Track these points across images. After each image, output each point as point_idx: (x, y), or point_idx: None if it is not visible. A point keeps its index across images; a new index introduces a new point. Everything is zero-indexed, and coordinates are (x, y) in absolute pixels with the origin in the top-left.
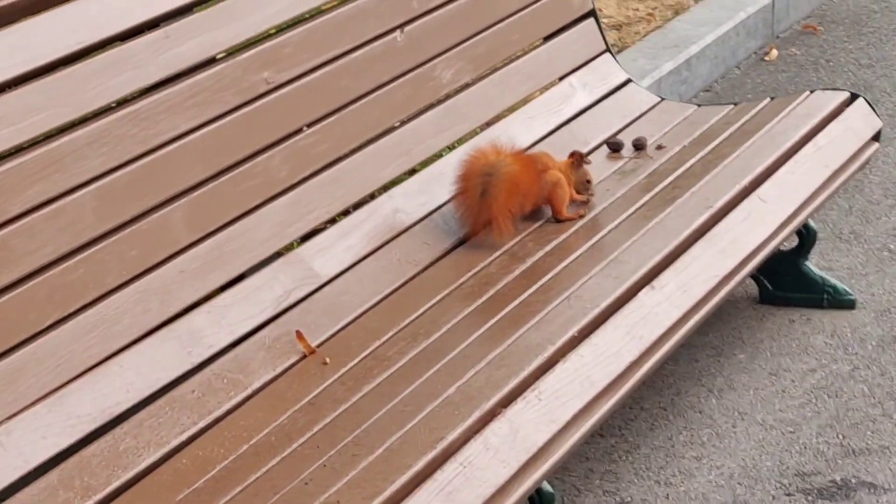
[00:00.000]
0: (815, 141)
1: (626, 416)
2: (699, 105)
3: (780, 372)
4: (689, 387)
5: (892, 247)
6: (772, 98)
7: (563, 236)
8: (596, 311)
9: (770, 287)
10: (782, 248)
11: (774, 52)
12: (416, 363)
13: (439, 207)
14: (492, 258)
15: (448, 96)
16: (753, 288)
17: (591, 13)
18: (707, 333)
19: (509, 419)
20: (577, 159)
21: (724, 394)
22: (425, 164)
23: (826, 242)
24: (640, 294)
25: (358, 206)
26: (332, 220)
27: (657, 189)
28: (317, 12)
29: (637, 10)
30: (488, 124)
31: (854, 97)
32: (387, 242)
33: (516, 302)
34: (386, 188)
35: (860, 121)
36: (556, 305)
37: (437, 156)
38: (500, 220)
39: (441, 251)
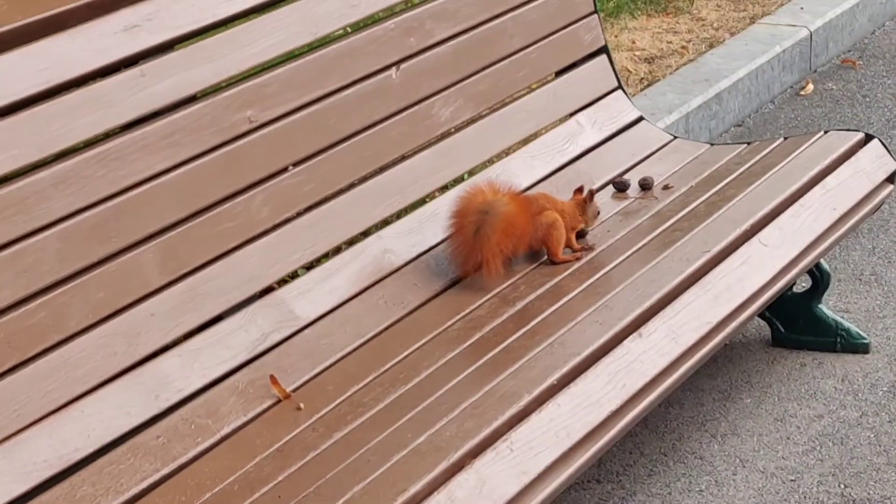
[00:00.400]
0: (824, 183)
1: (625, 462)
2: (712, 144)
3: (786, 417)
4: (691, 431)
5: None
6: (785, 137)
7: (557, 279)
8: (578, 359)
9: (783, 329)
10: (795, 290)
11: (810, 87)
12: (391, 410)
13: (431, 248)
14: (481, 301)
15: (445, 135)
16: (766, 330)
17: (603, 49)
18: (716, 377)
19: (477, 471)
20: (590, 196)
21: (727, 439)
22: (418, 204)
23: (845, 283)
24: (626, 341)
25: (344, 247)
26: (317, 262)
27: (657, 231)
28: (306, 50)
29: (671, 42)
30: (488, 163)
31: (869, 138)
32: (373, 284)
33: (500, 347)
34: (376, 228)
35: (873, 162)
36: (537, 352)
37: (432, 196)
38: (491, 262)
39: (430, 293)
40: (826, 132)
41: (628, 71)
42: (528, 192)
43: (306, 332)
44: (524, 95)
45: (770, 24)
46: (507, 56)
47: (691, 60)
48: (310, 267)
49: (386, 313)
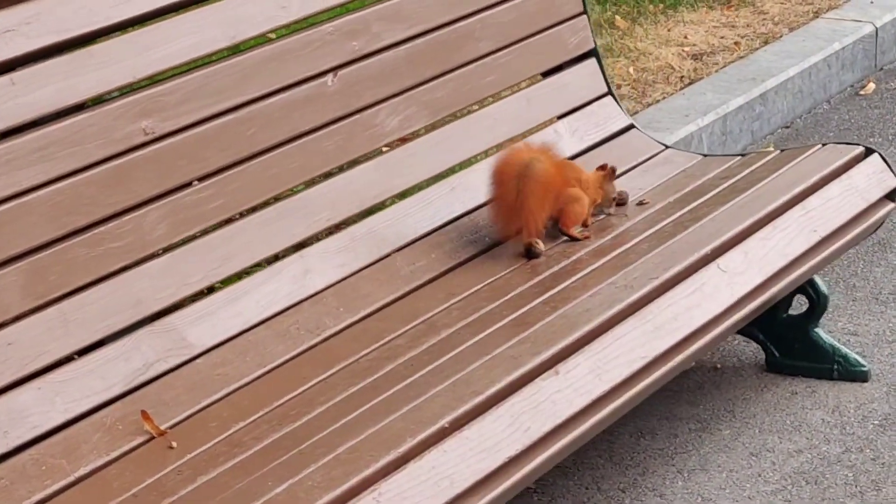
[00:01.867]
0: (805, 203)
1: (580, 497)
2: (705, 155)
3: (762, 452)
4: (658, 465)
5: None
6: (782, 150)
7: (493, 305)
8: (478, 399)
9: (777, 354)
10: (792, 312)
11: (871, 86)
12: (266, 452)
13: (363, 269)
14: (405, 329)
15: (392, 146)
16: (762, 354)
17: (593, 53)
18: (697, 404)
19: None
20: (611, 173)
21: (694, 475)
22: (353, 220)
23: (860, 303)
24: (539, 379)
25: (260, 267)
26: (223, 284)
27: (613, 254)
28: (225, 56)
29: (724, 38)
30: (444, 175)
31: (869, 152)
32: (287, 309)
33: (405, 382)
34: (298, 248)
35: (869, 179)
36: (439, 390)
37: (371, 211)
38: (531, 224)
39: (352, 319)
40: (824, 144)
41: (671, 68)
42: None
43: (198, 361)
44: (492, 103)
45: (834, 18)
46: (474, 60)
47: (742, 57)
48: (211, 290)
49: (296, 341)
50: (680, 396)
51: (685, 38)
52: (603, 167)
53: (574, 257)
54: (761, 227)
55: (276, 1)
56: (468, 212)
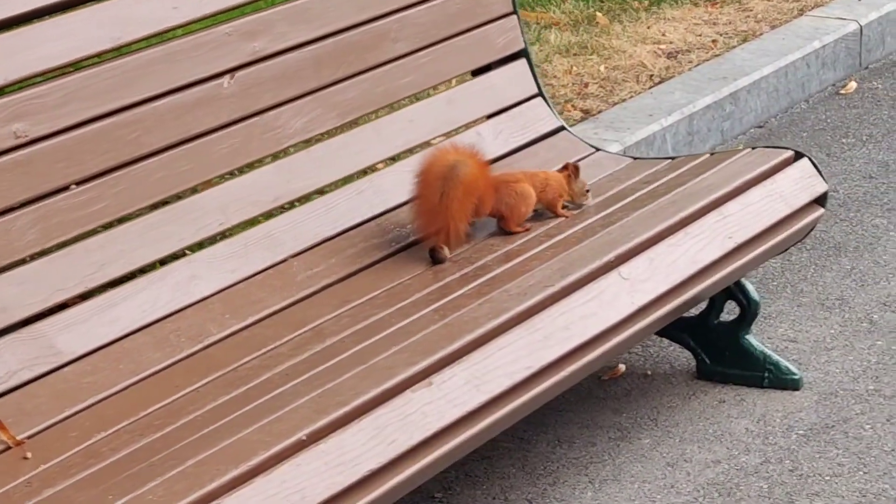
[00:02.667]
0: (723, 209)
1: None
2: (635, 158)
3: (679, 462)
4: (570, 475)
5: (875, 317)
6: (712, 153)
7: (381, 314)
8: (343, 410)
9: (708, 361)
10: (722, 318)
11: (853, 85)
12: (120, 464)
13: (256, 274)
14: (292, 336)
15: (296, 148)
16: (694, 361)
17: (522, 53)
18: (621, 412)
19: None
20: (574, 170)
21: (606, 486)
22: (248, 224)
23: (805, 308)
24: (410, 391)
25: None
26: (101, 290)
27: (517, 260)
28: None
29: (702, 35)
30: (354, 178)
31: (798, 156)
32: (169, 315)
33: (275, 392)
34: (187, 252)
35: (796, 184)
36: (305, 400)
37: (269, 215)
38: (453, 227)
39: (238, 326)
40: (753, 148)
41: (643, 66)
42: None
43: (67, 369)
44: (409, 105)
45: (819, 16)
46: (389, 61)
47: (717, 55)
48: (88, 296)
49: (175, 348)
50: (604, 404)
51: (663, 35)
52: (565, 166)
53: (479, 263)
54: (672, 233)
55: (166, 1)
56: (376, 216)
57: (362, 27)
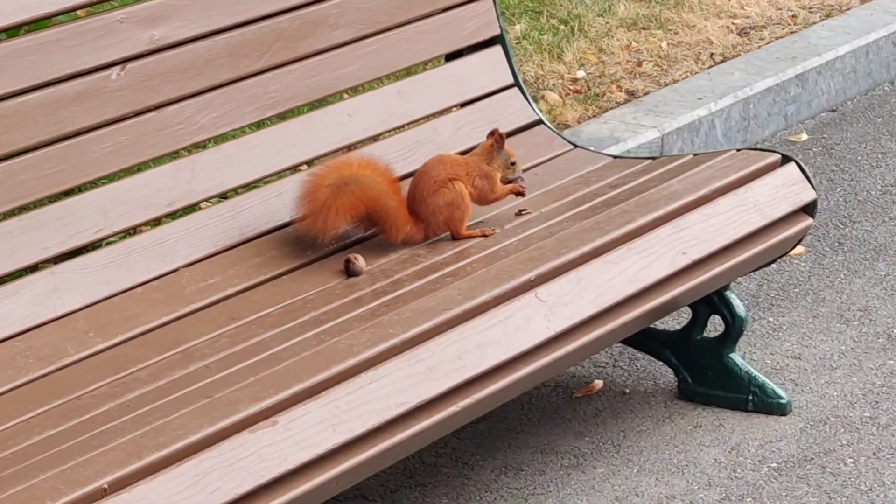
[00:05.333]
0: (680, 221)
1: None
2: (615, 157)
3: (629, 497)
4: None
5: (895, 332)
6: (695, 154)
7: (264, 335)
8: (158, 454)
9: (690, 380)
10: (706, 335)
11: None
12: None
13: (135, 287)
14: (157, 358)
15: (198, 148)
16: (674, 379)
17: (498, 39)
18: (584, 435)
19: None
20: (499, 139)
21: None
22: (132, 232)
23: (822, 320)
24: (247, 431)
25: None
26: None
27: (432, 276)
28: None
29: (783, 9)
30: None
31: (785, 160)
32: (22, 333)
33: (100, 429)
34: (54, 262)
35: (775, 192)
36: (122, 441)
37: (159, 221)
38: (330, 219)
39: (101, 346)
40: (738, 150)
41: (708, 43)
42: (425, 164)
43: None
44: (350, 97)
45: None
46: (326, 50)
47: (793, 32)
48: None
49: (20, 371)
50: (568, 426)
51: (741, 7)
52: (491, 133)
53: (395, 277)
54: (611, 248)
55: None
56: (294, 221)
57: (292, 13)
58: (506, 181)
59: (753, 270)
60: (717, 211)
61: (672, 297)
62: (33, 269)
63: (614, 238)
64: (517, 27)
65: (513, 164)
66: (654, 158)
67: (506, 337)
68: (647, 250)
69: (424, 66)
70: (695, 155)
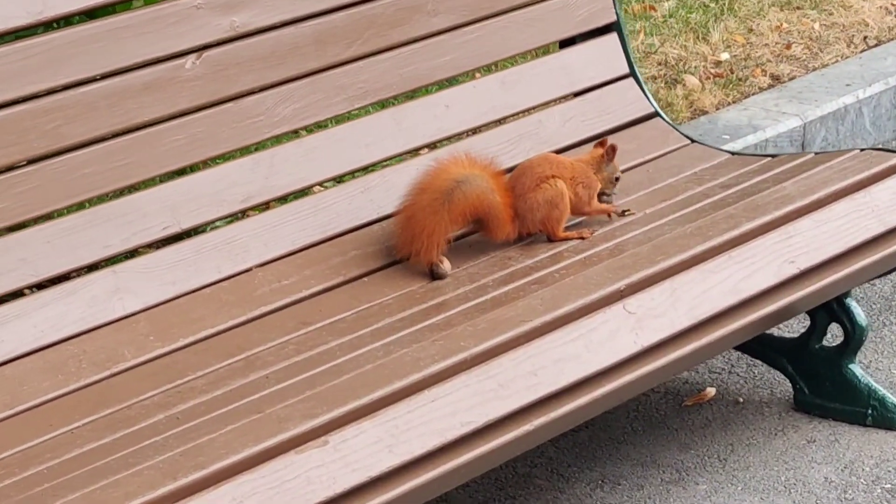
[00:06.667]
0: (790, 227)
1: None
2: (733, 153)
3: None
4: None
5: None
6: (816, 153)
7: (332, 343)
8: (197, 475)
9: (807, 391)
10: (825, 343)
11: None
12: None
13: (203, 287)
14: (217, 366)
15: (277, 141)
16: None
17: (613, 27)
18: (689, 448)
19: None
20: (610, 151)
21: None
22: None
23: None
24: (294, 451)
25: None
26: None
27: (516, 283)
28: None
29: None
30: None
31: None
32: (76, 336)
33: (144, 443)
34: (115, 261)
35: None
36: (160, 459)
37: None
38: (430, 248)
39: (161, 351)
40: (862, 150)
41: (864, 25)
42: (530, 158)
43: None
44: (447, 87)
45: None
46: (422, 38)
47: None
48: None
49: (71, 377)
50: (674, 437)
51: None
52: (602, 143)
53: (480, 282)
54: (712, 256)
55: None
56: (381, 219)
57: None
58: (602, 196)
59: (876, 278)
60: (831, 216)
61: (778, 309)
62: (94, 267)
63: (715, 245)
64: (665, 5)
65: (617, 179)
66: (773, 156)
67: (587, 352)
68: (751, 258)
69: (532, 55)
70: (816, 154)
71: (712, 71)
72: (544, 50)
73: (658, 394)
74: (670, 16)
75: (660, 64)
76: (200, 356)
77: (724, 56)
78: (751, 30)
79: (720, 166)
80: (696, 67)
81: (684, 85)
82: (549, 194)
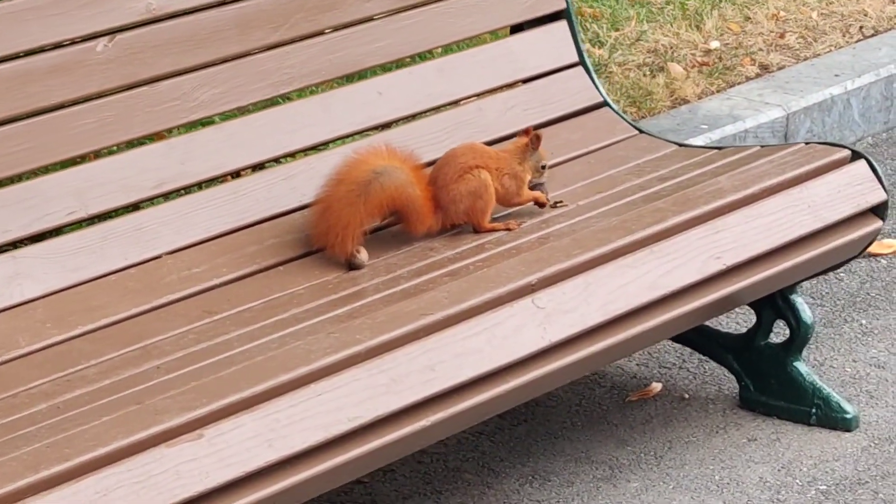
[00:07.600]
0: (718, 222)
1: None
2: (681, 145)
3: None
4: None
5: None
6: (763, 146)
7: (234, 333)
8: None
9: (752, 388)
10: (770, 340)
11: None
12: None
13: (108, 275)
14: (111, 355)
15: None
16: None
17: (563, 14)
18: (627, 444)
19: None
20: (534, 139)
21: None
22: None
23: None
24: (164, 445)
25: None
26: None
27: (429, 276)
28: None
29: None
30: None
31: (855, 157)
32: None
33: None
34: (16, 246)
35: (837, 193)
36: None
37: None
38: (347, 239)
39: (57, 339)
40: (807, 143)
41: (864, 14)
42: (453, 148)
43: None
44: (381, 74)
45: None
46: (356, 23)
47: None
48: None
49: None
50: (614, 431)
51: None
52: (526, 131)
53: (396, 273)
54: (631, 250)
55: None
56: (303, 206)
57: None
58: (531, 185)
59: (818, 275)
60: (763, 212)
61: (702, 306)
62: None
63: (638, 239)
64: None
65: (543, 167)
66: (720, 149)
67: (490, 347)
68: (673, 254)
69: (476, 42)
70: (762, 147)
71: (699, 59)
72: (495, 36)
73: (603, 388)
74: (667, 3)
75: (649, 51)
76: (96, 344)
77: (714, 44)
78: (748, 18)
79: (664, 158)
80: (684, 55)
81: (668, 73)
82: (472, 185)
